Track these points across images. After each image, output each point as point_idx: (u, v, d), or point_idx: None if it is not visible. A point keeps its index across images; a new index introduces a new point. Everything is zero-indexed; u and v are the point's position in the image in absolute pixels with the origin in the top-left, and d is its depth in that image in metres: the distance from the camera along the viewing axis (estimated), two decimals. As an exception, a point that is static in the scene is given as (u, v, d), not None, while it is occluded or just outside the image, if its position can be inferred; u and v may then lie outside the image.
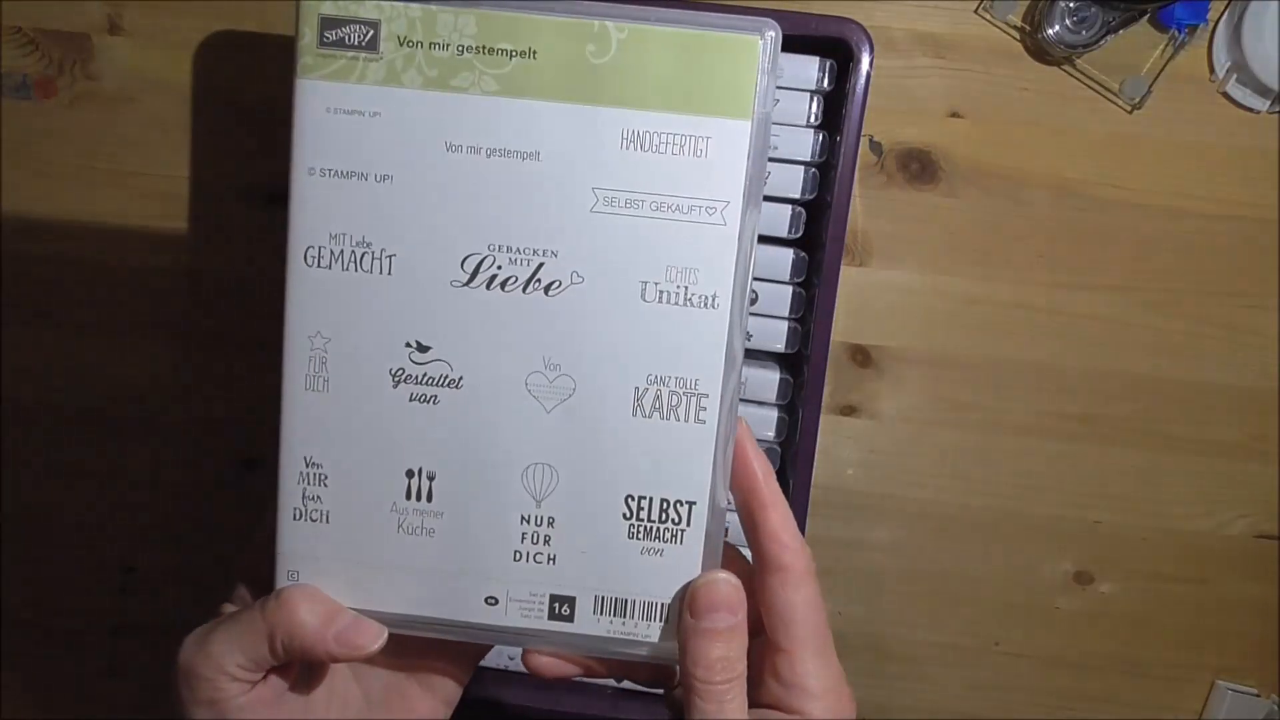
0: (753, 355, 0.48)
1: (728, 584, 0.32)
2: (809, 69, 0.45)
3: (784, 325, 0.47)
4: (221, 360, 0.54)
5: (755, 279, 0.46)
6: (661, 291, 0.32)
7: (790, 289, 0.47)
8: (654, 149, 0.32)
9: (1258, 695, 0.55)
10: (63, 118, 0.52)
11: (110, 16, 0.51)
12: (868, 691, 0.57)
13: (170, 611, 0.57)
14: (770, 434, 0.48)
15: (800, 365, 0.47)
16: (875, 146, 0.51)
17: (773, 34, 0.31)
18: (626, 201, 0.32)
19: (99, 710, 0.58)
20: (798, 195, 0.46)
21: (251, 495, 0.55)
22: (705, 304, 0.32)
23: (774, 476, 0.33)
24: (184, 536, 0.56)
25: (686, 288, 0.32)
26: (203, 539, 0.56)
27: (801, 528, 0.47)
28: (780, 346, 0.47)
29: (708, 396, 0.32)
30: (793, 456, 0.47)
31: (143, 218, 0.53)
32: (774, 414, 0.48)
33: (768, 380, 0.47)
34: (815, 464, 0.47)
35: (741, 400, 0.47)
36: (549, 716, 0.50)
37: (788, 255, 0.46)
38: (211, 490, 0.56)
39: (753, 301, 0.46)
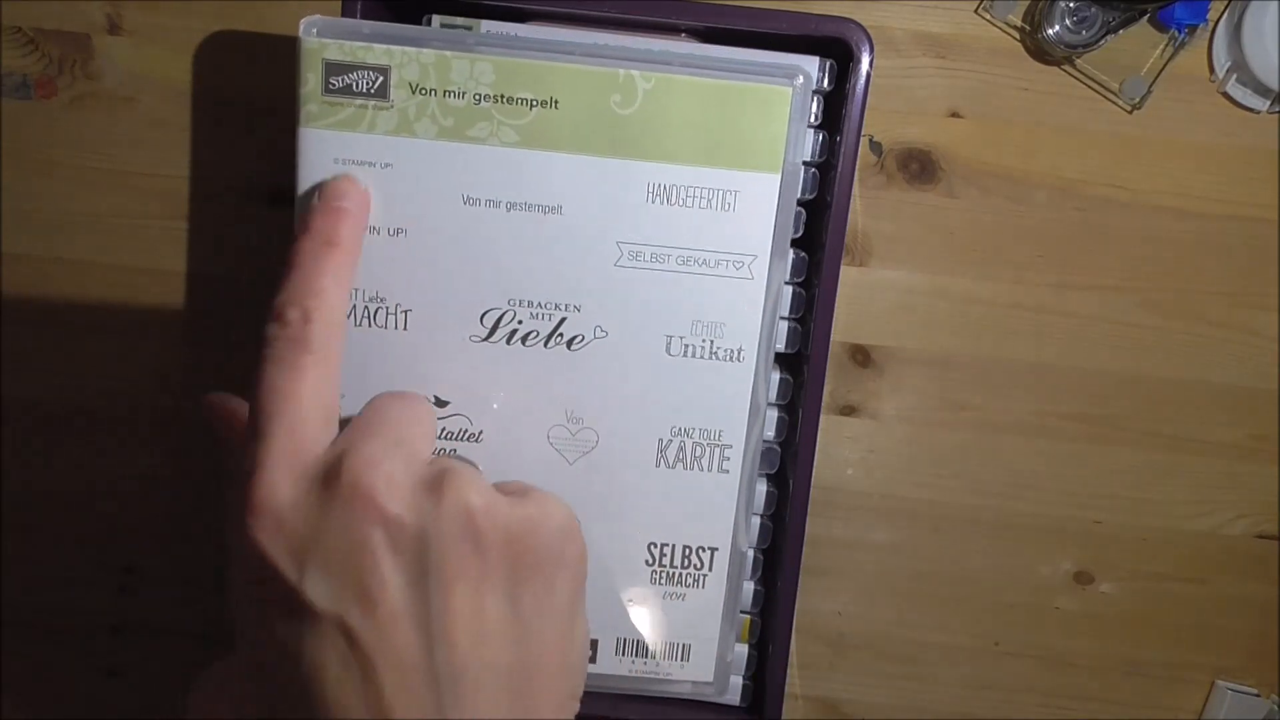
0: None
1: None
2: (809, 69, 0.44)
3: (784, 325, 0.47)
4: (222, 360, 0.54)
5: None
6: (687, 345, 0.31)
7: (790, 289, 0.46)
8: (680, 202, 0.31)
9: (1258, 695, 0.55)
10: (63, 118, 0.52)
11: (110, 16, 0.51)
12: (868, 691, 0.57)
13: (170, 611, 0.57)
14: (770, 434, 0.48)
15: (800, 365, 0.47)
16: (875, 146, 0.51)
17: (802, 80, 0.30)
18: (652, 255, 0.31)
19: (99, 710, 0.58)
20: (797, 195, 0.46)
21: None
22: (731, 357, 0.31)
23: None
24: (184, 536, 0.56)
25: (712, 341, 0.31)
26: (203, 539, 0.56)
27: (801, 528, 0.47)
28: (780, 346, 0.47)
29: (731, 447, 0.32)
30: (792, 456, 0.47)
31: (143, 218, 0.53)
32: (774, 414, 0.47)
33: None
34: (815, 464, 0.47)
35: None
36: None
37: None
38: (212, 490, 0.56)
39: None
